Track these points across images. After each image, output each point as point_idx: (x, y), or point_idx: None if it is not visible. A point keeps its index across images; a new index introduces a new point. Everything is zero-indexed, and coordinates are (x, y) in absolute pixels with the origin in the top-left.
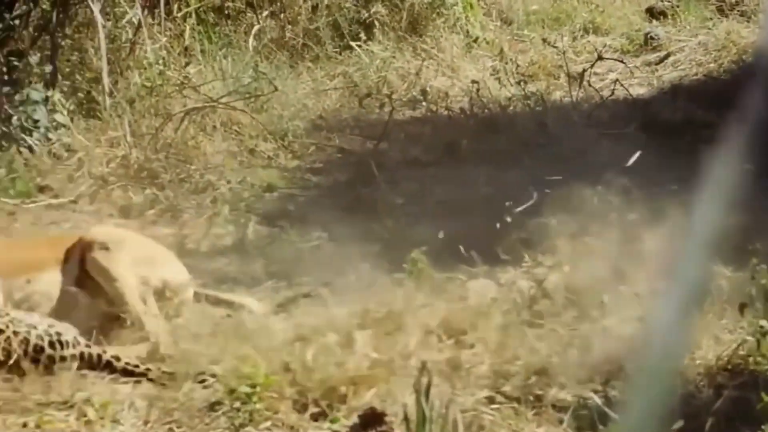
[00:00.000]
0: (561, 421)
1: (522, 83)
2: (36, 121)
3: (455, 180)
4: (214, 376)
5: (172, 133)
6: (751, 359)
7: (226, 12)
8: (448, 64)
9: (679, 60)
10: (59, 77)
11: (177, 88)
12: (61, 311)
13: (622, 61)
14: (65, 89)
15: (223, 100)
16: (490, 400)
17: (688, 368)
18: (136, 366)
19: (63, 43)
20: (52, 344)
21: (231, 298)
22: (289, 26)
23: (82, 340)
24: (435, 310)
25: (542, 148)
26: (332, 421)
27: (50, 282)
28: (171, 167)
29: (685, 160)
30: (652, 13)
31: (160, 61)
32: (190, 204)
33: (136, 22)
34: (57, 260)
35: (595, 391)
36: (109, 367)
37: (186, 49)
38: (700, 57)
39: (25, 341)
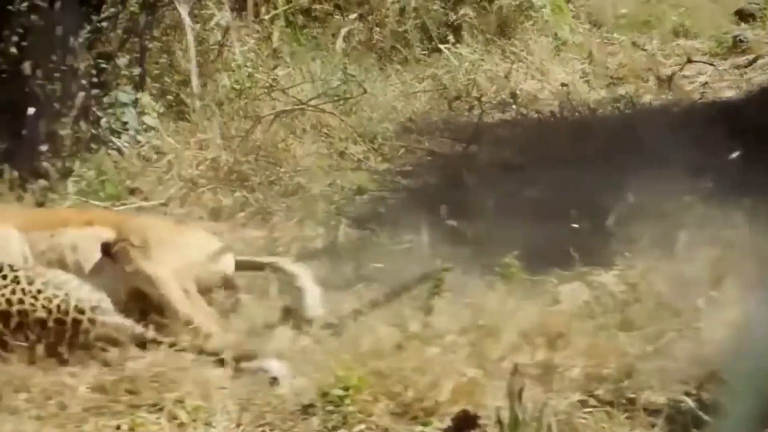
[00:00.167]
0: (654, 425)
1: (611, 86)
2: (125, 124)
3: (545, 183)
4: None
5: (261, 136)
6: None
7: (314, 14)
8: (537, 67)
9: None
10: (148, 80)
11: (265, 90)
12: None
13: (711, 64)
14: (154, 92)
15: (312, 102)
16: (583, 404)
17: None
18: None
19: (151, 45)
20: (79, 309)
21: (269, 260)
22: (377, 29)
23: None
24: (527, 314)
25: (632, 151)
26: (425, 425)
27: (73, 236)
28: (260, 170)
29: None
30: (741, 16)
31: (249, 64)
32: (279, 207)
33: (223, 25)
34: (81, 221)
35: (689, 395)
36: (141, 341)
37: (274, 51)
38: None
39: (50, 302)
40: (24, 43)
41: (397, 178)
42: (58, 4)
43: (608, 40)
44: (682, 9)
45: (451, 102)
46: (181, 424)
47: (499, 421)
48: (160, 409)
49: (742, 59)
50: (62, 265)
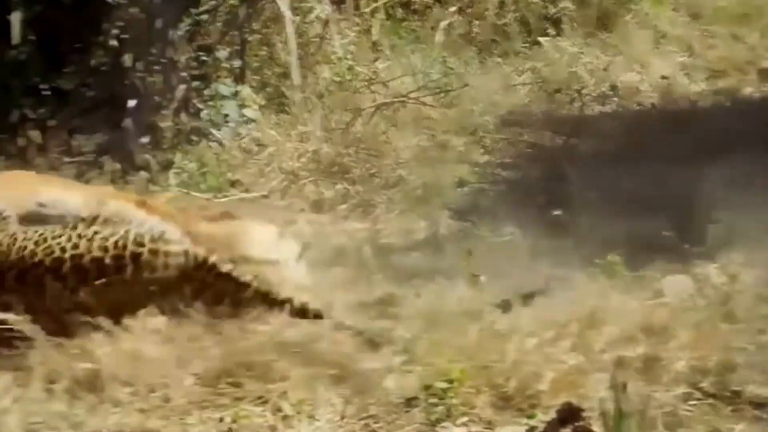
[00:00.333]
0: (759, 418)
1: (711, 79)
2: (225, 116)
3: (646, 176)
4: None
5: (362, 128)
6: None
7: (414, 7)
8: (637, 60)
9: None
10: (248, 72)
11: (366, 83)
12: None
13: None
14: (254, 84)
15: (413, 95)
16: (687, 396)
17: None
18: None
19: (251, 38)
20: (153, 239)
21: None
22: (476, 21)
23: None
24: (630, 306)
25: (733, 145)
26: (529, 417)
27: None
28: (361, 162)
29: None
30: None
31: (349, 56)
32: (381, 199)
33: (323, 18)
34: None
35: None
36: (212, 272)
37: (374, 44)
38: None
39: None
40: (124, 36)
41: (498, 171)
42: None
43: (708, 32)
44: None
45: (551, 95)
46: (285, 417)
47: (603, 414)
48: (265, 402)
49: None
50: None
